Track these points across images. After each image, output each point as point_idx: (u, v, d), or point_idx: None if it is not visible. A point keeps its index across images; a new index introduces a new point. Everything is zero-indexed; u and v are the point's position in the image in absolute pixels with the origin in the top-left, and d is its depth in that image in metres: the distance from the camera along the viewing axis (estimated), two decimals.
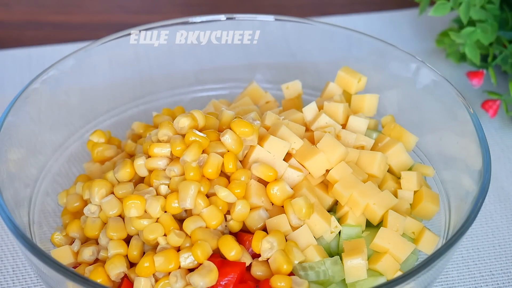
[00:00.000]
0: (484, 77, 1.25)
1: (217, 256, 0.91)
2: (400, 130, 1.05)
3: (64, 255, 0.94)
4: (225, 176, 0.96)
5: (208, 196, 0.94)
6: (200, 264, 0.89)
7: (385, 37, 1.20)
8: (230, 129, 0.95)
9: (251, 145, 0.97)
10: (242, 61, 1.23)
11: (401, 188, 1.00)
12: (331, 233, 0.95)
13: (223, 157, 0.94)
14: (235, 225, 0.94)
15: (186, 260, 0.89)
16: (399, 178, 1.02)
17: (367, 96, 1.07)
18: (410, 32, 1.47)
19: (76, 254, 0.95)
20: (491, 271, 1.05)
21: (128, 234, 0.94)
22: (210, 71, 1.24)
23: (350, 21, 1.48)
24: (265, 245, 0.90)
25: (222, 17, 1.19)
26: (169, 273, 0.89)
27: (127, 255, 0.92)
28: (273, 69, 1.24)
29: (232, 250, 0.90)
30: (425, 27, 1.47)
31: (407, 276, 0.83)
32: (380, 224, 0.97)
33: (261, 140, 0.98)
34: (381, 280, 0.92)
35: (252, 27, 1.19)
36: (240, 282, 0.89)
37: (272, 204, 0.97)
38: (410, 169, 1.03)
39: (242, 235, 0.94)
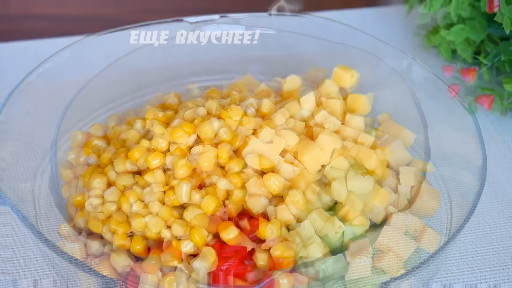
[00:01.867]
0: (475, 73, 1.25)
1: (218, 242, 0.92)
2: (398, 127, 1.06)
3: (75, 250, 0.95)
4: (221, 167, 0.97)
5: (206, 186, 0.95)
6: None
7: (377, 33, 1.20)
8: (221, 117, 0.96)
9: (246, 136, 0.98)
10: (237, 56, 1.23)
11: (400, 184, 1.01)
12: (335, 233, 0.95)
13: (217, 147, 0.96)
14: (233, 209, 0.95)
15: (187, 246, 0.91)
16: (398, 174, 1.02)
17: (361, 95, 1.07)
18: (403, 27, 1.47)
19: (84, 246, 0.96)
20: (489, 267, 1.06)
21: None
22: (205, 64, 1.24)
23: (343, 15, 1.48)
24: (270, 232, 0.92)
25: (216, 16, 1.19)
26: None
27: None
28: (267, 63, 1.25)
29: (230, 233, 0.91)
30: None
31: (407, 275, 0.85)
32: (383, 222, 0.98)
33: (256, 130, 0.99)
34: (385, 278, 0.93)
35: (249, 24, 1.20)
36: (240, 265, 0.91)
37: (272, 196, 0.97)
38: (409, 165, 1.04)
39: (253, 220, 0.95)
